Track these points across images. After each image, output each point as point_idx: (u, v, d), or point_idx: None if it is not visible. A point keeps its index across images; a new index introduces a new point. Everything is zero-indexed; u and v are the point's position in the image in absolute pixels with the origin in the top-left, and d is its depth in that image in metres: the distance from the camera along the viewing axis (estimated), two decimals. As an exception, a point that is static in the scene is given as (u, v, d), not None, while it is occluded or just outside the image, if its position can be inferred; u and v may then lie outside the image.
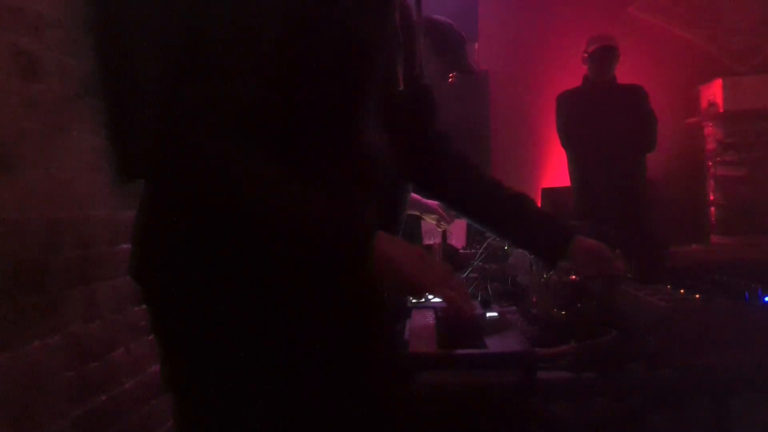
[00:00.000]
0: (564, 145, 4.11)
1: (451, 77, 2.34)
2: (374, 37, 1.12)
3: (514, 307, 1.78)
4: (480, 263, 2.22)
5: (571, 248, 1.46)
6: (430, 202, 2.55)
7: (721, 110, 4.89)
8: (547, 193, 4.75)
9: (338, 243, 0.98)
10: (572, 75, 4.18)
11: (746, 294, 1.29)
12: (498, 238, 2.04)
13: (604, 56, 3.89)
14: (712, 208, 5.06)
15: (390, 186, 1.21)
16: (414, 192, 1.67)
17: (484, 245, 2.28)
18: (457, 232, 2.76)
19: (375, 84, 1.13)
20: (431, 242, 2.56)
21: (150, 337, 2.53)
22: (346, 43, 1.07)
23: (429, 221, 2.65)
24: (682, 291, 1.41)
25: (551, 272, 1.64)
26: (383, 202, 1.18)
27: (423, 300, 1.71)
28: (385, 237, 1.01)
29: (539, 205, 4.38)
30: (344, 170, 1.09)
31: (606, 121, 3.83)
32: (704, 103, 5.13)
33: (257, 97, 0.99)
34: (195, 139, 0.96)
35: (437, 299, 1.54)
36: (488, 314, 1.54)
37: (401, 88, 1.22)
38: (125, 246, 2.37)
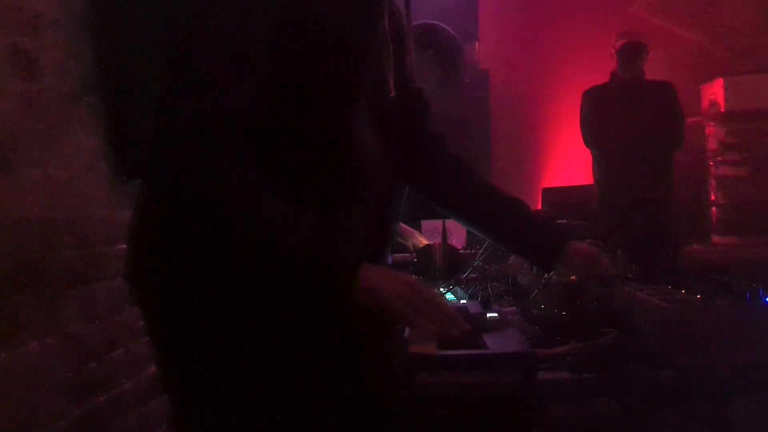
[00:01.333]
0: (588, 143, 4.04)
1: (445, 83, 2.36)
2: (362, 44, 1.13)
3: (514, 307, 1.78)
4: (480, 263, 2.21)
5: (564, 253, 1.46)
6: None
7: (723, 110, 4.88)
8: (547, 193, 4.74)
9: (321, 274, 0.99)
10: (573, 75, 4.17)
11: (747, 294, 1.29)
12: (491, 243, 2.04)
13: (631, 52, 3.84)
14: (713, 208, 5.05)
15: (384, 190, 1.21)
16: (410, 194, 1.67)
17: (485, 245, 2.27)
18: (457, 232, 2.76)
19: (364, 90, 1.14)
20: (431, 242, 2.56)
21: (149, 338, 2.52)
22: (333, 51, 1.08)
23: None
24: (682, 291, 1.40)
25: (551, 273, 1.64)
26: (377, 206, 1.18)
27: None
28: (370, 269, 1.02)
29: (539, 205, 4.37)
30: (335, 177, 1.09)
31: (633, 117, 3.77)
32: (705, 103, 5.12)
33: (249, 104, 1.00)
34: (189, 147, 0.97)
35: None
36: (488, 314, 1.54)
37: (392, 94, 1.22)
38: (124, 246, 2.36)
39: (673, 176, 3.94)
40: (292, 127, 1.06)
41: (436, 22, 2.40)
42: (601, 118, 3.91)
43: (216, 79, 0.98)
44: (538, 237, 1.46)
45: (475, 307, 1.59)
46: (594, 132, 3.97)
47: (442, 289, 1.93)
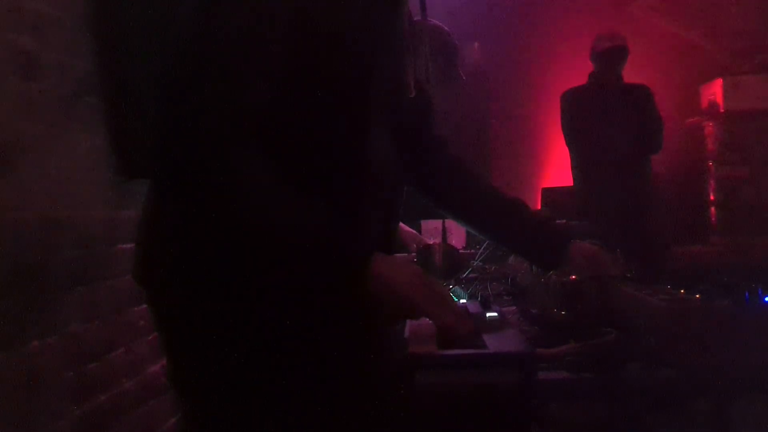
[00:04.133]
0: (568, 144, 4.05)
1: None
2: (381, 44, 1.12)
3: (514, 307, 1.78)
4: (480, 263, 2.22)
5: (567, 253, 1.46)
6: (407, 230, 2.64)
7: (722, 110, 4.89)
8: (547, 193, 4.74)
9: (334, 263, 0.99)
10: (573, 75, 4.17)
11: (746, 294, 1.29)
12: (493, 244, 2.05)
13: (613, 55, 3.83)
14: (713, 209, 5.06)
15: (391, 191, 1.21)
16: (410, 194, 1.67)
17: (484, 245, 2.28)
18: (457, 232, 2.76)
19: (380, 91, 1.13)
20: (431, 242, 2.56)
21: (150, 337, 2.53)
22: (350, 52, 1.07)
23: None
24: (682, 291, 1.40)
25: (551, 272, 1.64)
26: (384, 207, 1.18)
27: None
28: (382, 258, 1.02)
29: (539, 205, 4.38)
30: (347, 177, 1.09)
31: (611, 120, 3.75)
32: (705, 103, 5.13)
33: (262, 102, 0.99)
34: (200, 143, 0.96)
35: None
36: (488, 314, 1.54)
37: (412, 94, 1.22)
38: (124, 246, 2.37)
39: (650, 180, 3.92)
40: (306, 126, 1.06)
41: (431, 19, 2.40)
42: (578, 120, 3.91)
43: (228, 75, 0.97)
44: (540, 237, 1.47)
45: (474, 307, 1.59)
46: (571, 134, 3.97)
47: (442, 289, 1.93)
